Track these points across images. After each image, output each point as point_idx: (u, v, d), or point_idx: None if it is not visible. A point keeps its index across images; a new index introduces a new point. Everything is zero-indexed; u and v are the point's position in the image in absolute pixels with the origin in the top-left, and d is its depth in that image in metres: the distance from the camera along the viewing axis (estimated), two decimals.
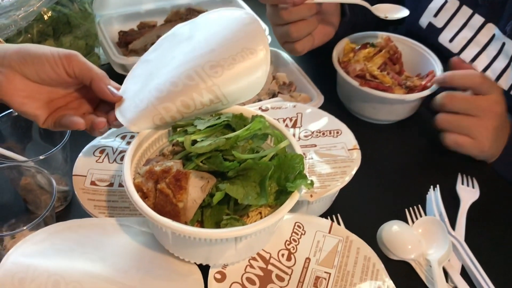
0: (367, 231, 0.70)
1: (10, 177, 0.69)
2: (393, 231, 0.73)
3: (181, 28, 0.67)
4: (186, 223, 0.54)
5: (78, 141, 0.74)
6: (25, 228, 0.59)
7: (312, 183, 0.54)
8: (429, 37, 0.98)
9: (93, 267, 0.54)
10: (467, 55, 0.92)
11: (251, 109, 0.66)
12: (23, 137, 0.75)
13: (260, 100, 0.88)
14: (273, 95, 0.91)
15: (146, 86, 0.63)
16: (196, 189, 0.54)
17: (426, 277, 0.69)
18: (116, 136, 0.74)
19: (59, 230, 0.58)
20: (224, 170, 0.55)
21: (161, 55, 0.66)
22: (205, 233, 0.51)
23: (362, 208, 0.78)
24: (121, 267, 0.55)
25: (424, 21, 0.98)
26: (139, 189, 0.54)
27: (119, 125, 0.63)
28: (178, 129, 0.61)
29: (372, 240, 0.70)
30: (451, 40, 0.94)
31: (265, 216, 0.58)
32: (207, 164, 0.56)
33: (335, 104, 0.95)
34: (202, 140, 0.56)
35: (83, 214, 0.67)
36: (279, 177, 0.56)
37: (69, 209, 0.76)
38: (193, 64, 0.61)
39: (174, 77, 0.61)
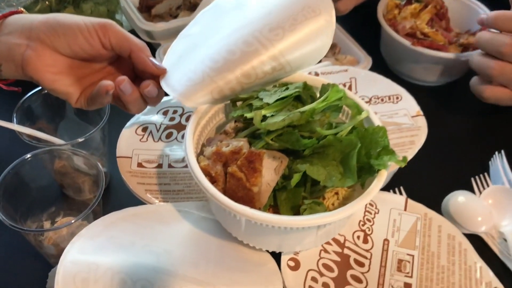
0: (431, 203, 0.64)
1: (43, 161, 0.63)
2: (460, 203, 0.68)
3: None
4: (260, 209, 0.48)
5: (115, 120, 0.67)
6: (73, 221, 0.54)
7: (405, 159, 0.48)
8: None
9: (159, 262, 0.49)
10: None
11: (313, 76, 0.59)
12: (55, 115, 0.68)
13: None
14: None
15: (194, 57, 0.56)
16: (269, 171, 0.48)
17: (500, 251, 0.65)
18: (157, 112, 0.67)
19: (114, 221, 0.52)
20: (300, 148, 0.49)
21: (206, 27, 0.59)
22: (289, 221, 0.45)
23: (423, 178, 0.73)
24: (190, 260, 0.50)
25: None
26: (206, 173, 0.48)
27: (152, 95, 0.55)
28: (239, 103, 0.55)
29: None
30: None
31: (342, 196, 0.52)
32: (278, 142, 0.50)
33: (378, 64, 0.88)
34: (273, 116, 0.50)
35: (124, 196, 0.62)
36: (359, 153, 0.49)
37: (108, 191, 0.70)
38: (250, 29, 0.54)
39: (230, 45, 0.54)
